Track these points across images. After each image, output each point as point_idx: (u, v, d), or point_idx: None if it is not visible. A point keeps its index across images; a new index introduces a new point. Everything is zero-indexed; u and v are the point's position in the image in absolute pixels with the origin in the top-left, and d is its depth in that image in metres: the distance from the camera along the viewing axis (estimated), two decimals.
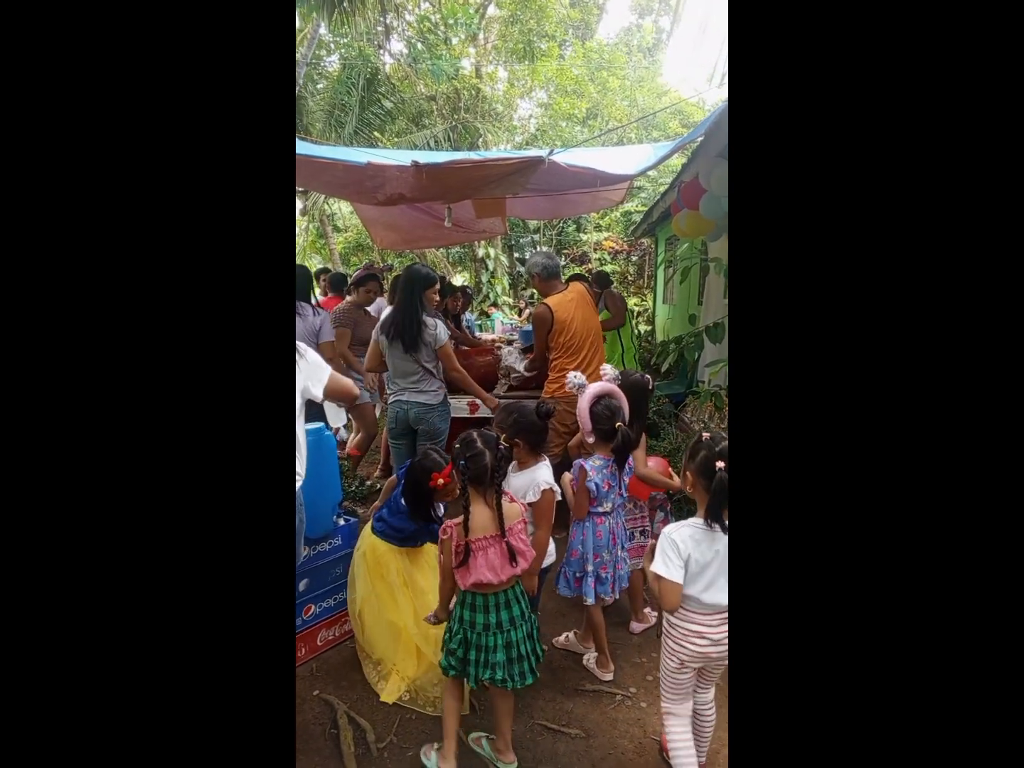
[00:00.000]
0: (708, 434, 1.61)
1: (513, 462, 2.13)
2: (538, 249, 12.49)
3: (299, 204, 11.79)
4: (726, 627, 1.55)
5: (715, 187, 3.73)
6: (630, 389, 2.31)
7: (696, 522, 1.57)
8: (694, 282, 6.61)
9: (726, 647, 1.55)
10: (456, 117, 11.58)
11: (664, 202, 6.68)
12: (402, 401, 3.02)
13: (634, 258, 12.25)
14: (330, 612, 2.46)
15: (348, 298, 3.93)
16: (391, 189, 3.36)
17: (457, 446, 1.71)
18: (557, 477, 2.16)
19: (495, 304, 11.39)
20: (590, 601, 2.17)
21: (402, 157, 3.34)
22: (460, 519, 1.66)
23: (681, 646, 1.59)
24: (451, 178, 3.19)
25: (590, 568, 2.16)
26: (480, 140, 11.31)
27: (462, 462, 1.67)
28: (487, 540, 1.67)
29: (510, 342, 6.37)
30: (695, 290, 6.67)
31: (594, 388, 2.21)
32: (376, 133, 10.34)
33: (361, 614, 2.22)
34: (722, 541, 1.53)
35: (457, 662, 1.73)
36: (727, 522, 1.49)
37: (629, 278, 12.18)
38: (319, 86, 10.50)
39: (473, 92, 12.16)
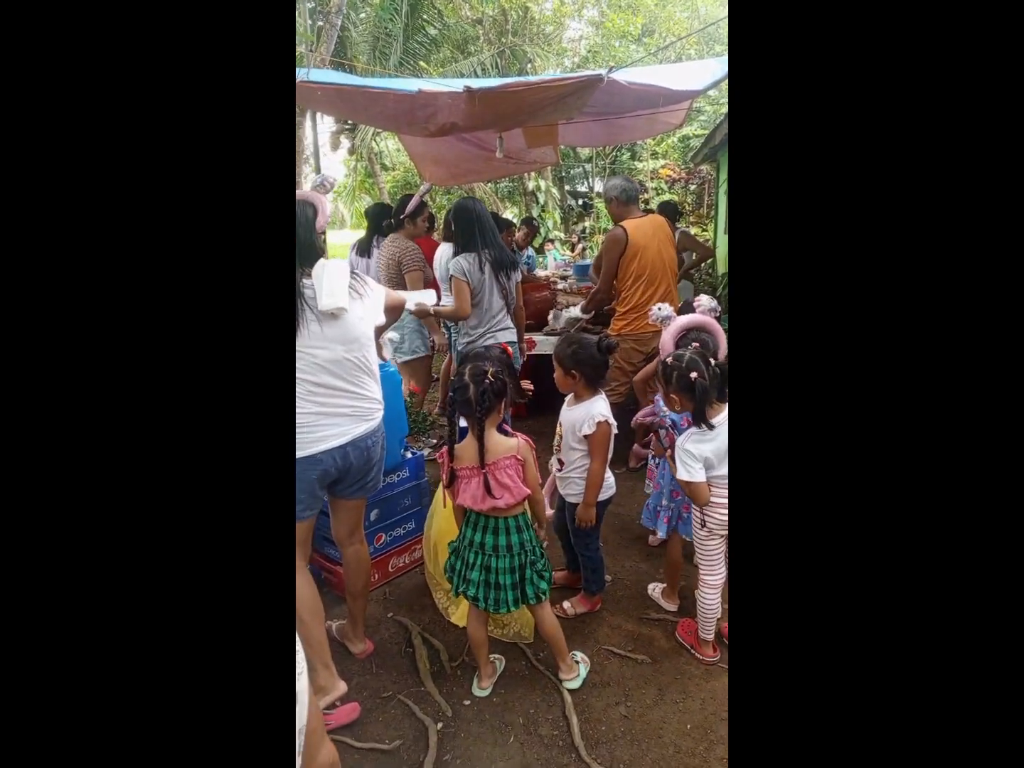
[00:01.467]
0: (671, 358, 1.87)
1: (570, 395, 2.12)
2: (600, 179, 12.03)
3: (346, 142, 11.67)
4: None
5: None
6: None
7: (693, 429, 1.83)
8: None
9: None
10: (503, 41, 11.03)
11: (727, 123, 6.25)
12: (498, 343, 2.84)
13: (692, 186, 11.65)
14: (400, 541, 2.56)
15: (400, 232, 3.71)
16: (443, 118, 3.23)
17: (452, 377, 1.73)
18: (620, 418, 2.12)
19: (551, 240, 11.10)
20: (660, 535, 2.18)
21: (454, 84, 3.21)
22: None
23: (709, 516, 1.87)
24: (504, 103, 3.05)
25: (664, 503, 2.16)
26: (529, 65, 10.78)
27: (451, 393, 1.72)
28: (469, 470, 1.73)
29: (564, 278, 6.25)
30: None
31: (683, 320, 2.12)
32: (422, 63, 9.98)
33: (436, 544, 2.29)
34: (725, 428, 1.78)
35: (449, 568, 1.88)
36: (711, 420, 1.80)
37: (688, 208, 11.62)
38: (361, 15, 10.13)
39: (521, 12, 11.49)
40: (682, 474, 1.82)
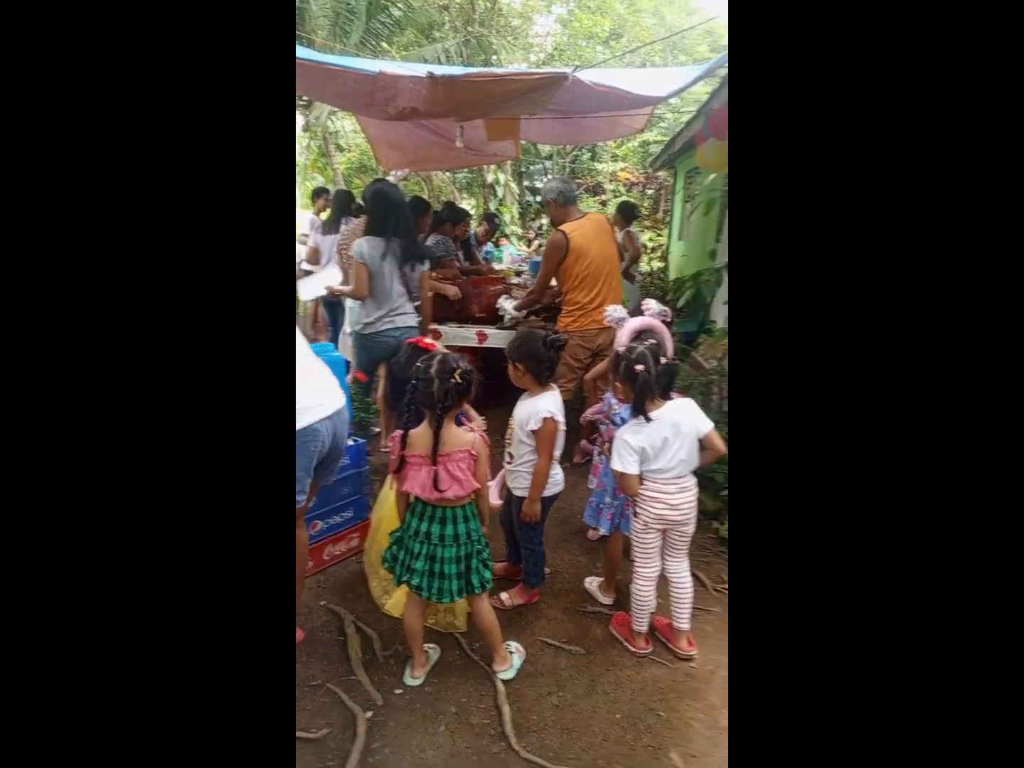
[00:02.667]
0: (623, 348, 1.95)
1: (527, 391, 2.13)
2: (551, 176, 12.07)
3: (301, 119, 11.30)
4: (682, 494, 1.91)
5: None
6: None
7: (634, 420, 1.89)
8: (714, 217, 6.42)
9: (683, 512, 1.92)
10: (469, 30, 10.92)
11: (688, 132, 6.38)
12: (396, 327, 3.03)
13: (650, 191, 11.86)
14: (337, 529, 2.51)
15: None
16: (403, 102, 3.17)
17: (418, 364, 1.70)
18: (567, 414, 2.15)
19: (506, 236, 11.09)
20: (602, 531, 2.22)
21: (416, 68, 3.16)
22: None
23: (644, 509, 1.93)
24: (467, 93, 3.01)
25: (608, 500, 2.20)
26: (495, 57, 10.71)
27: (413, 382, 1.69)
28: (422, 458, 1.72)
29: (518, 273, 6.24)
30: (714, 226, 6.48)
31: (635, 322, 2.18)
32: (384, 44, 9.77)
33: (379, 529, 2.26)
34: (666, 423, 1.87)
35: (390, 557, 1.86)
36: (657, 409, 1.88)
37: (644, 212, 11.82)
38: None
39: (489, 3, 11.41)
40: (615, 463, 1.90)
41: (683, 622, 2.02)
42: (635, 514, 1.98)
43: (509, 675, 1.91)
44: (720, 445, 1.91)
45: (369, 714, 1.76)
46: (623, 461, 1.88)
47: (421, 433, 1.74)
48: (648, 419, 1.87)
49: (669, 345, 2.19)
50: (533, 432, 2.02)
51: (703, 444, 1.92)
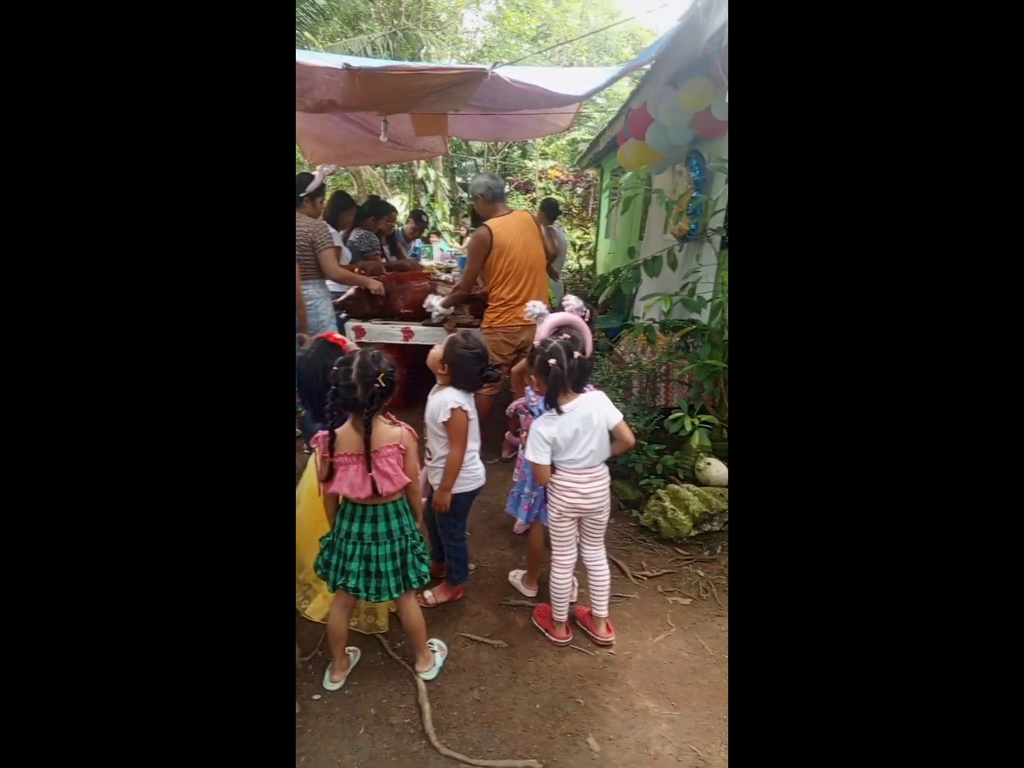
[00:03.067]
0: (539, 342, 2.00)
1: (436, 384, 2.13)
2: (479, 172, 12.06)
3: None
4: (594, 483, 1.98)
5: (663, 117, 3.66)
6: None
7: (547, 412, 1.96)
8: (636, 215, 6.59)
9: (595, 501, 1.98)
10: (396, 23, 10.75)
11: (611, 131, 6.53)
12: None
13: (579, 190, 12.06)
14: None
15: (300, 211, 3.43)
16: (320, 94, 3.09)
17: (336, 368, 1.64)
18: (495, 409, 2.17)
19: (437, 232, 11.00)
20: (520, 521, 2.24)
21: (333, 60, 3.08)
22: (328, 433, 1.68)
23: (558, 498, 2.00)
24: (386, 85, 2.97)
25: (527, 491, 2.23)
26: (423, 51, 10.60)
27: (334, 386, 1.63)
28: (349, 457, 1.68)
29: (448, 270, 6.21)
30: (637, 224, 6.66)
31: (554, 318, 2.21)
32: (307, 34, 9.49)
33: (300, 538, 2.19)
34: (577, 415, 1.92)
35: (323, 563, 1.82)
36: (569, 400, 1.94)
37: (574, 210, 12.01)
38: None
39: None
40: (528, 454, 1.98)
41: (601, 609, 2.08)
42: (550, 504, 2.04)
43: (431, 675, 1.91)
44: (628, 436, 1.98)
45: None
46: (535, 452, 1.95)
47: (348, 431, 1.69)
48: (560, 411, 1.92)
49: (588, 340, 2.24)
50: (444, 424, 2.03)
51: (613, 435, 1.98)
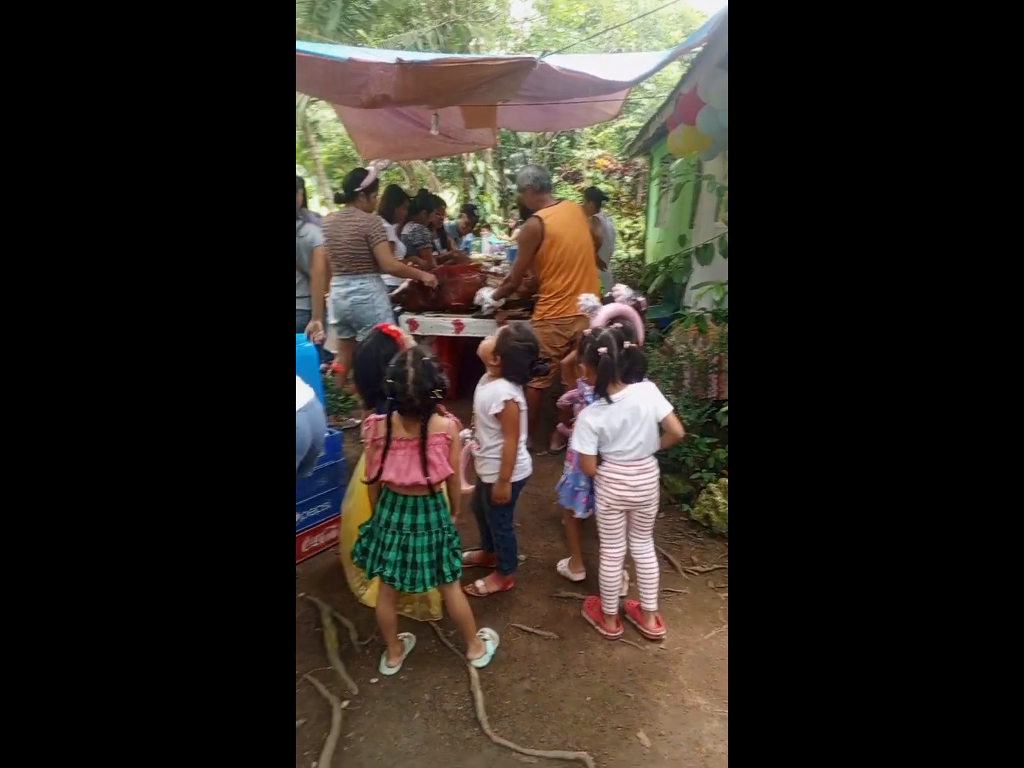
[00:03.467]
0: (589, 331, 2.01)
1: (485, 375, 2.15)
2: (526, 163, 12.00)
3: None
4: (642, 475, 1.97)
5: (714, 100, 3.55)
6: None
7: (595, 402, 1.96)
8: (686, 203, 6.44)
9: (644, 493, 1.98)
10: (446, 16, 10.79)
11: (661, 117, 6.39)
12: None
13: (628, 178, 11.85)
14: (315, 521, 2.52)
15: (354, 205, 3.49)
16: (374, 89, 3.14)
17: (392, 367, 1.66)
18: (546, 399, 2.19)
19: (487, 225, 11.03)
20: (579, 514, 2.25)
21: (386, 55, 3.12)
22: (383, 415, 1.71)
23: (606, 491, 2.00)
24: (438, 79, 2.99)
25: (583, 483, 2.23)
26: (472, 43, 10.60)
27: (391, 391, 1.66)
28: (402, 442, 1.71)
29: (497, 262, 6.22)
30: (687, 212, 6.51)
31: (608, 309, 2.22)
32: (360, 31, 9.64)
33: (350, 520, 2.26)
34: (626, 406, 1.92)
35: (360, 550, 1.85)
36: (618, 392, 1.94)
37: (622, 199, 11.82)
38: None
39: None
40: (575, 443, 2.00)
41: (650, 602, 2.07)
42: (598, 496, 2.04)
43: (483, 662, 1.94)
44: (678, 428, 1.97)
45: (345, 704, 1.78)
46: (582, 442, 1.97)
47: (398, 418, 1.72)
48: (609, 401, 1.92)
49: (640, 331, 2.22)
50: (496, 416, 2.04)
51: (662, 427, 1.97)
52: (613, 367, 1.91)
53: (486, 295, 3.79)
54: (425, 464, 1.70)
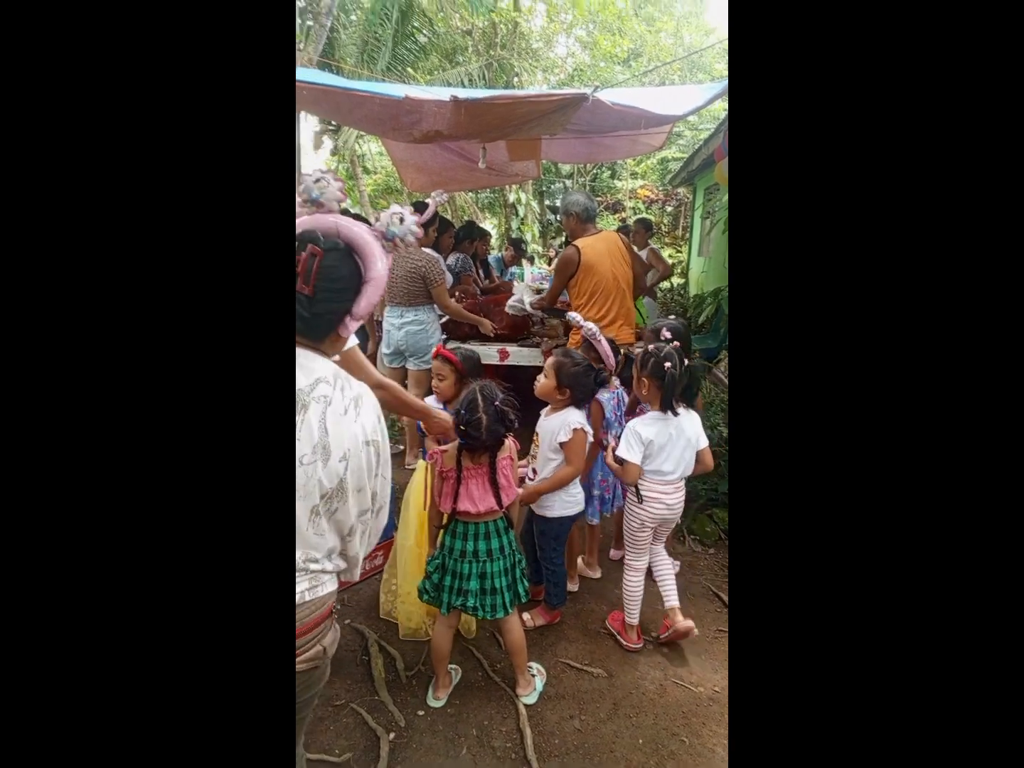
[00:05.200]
0: (652, 346, 2.05)
1: (547, 407, 2.15)
2: (575, 189, 12.15)
3: (329, 143, 11.57)
4: (677, 494, 2.06)
5: None
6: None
7: (654, 414, 2.02)
8: None
9: (676, 512, 2.09)
10: (492, 53, 11.11)
11: (706, 148, 6.40)
12: None
13: (669, 208, 11.87)
14: None
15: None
16: (428, 125, 3.25)
17: (466, 417, 1.67)
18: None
19: (530, 258, 11.17)
20: (594, 522, 2.40)
21: (440, 92, 3.23)
22: (448, 446, 1.76)
23: (645, 509, 2.06)
24: (490, 115, 3.07)
25: (596, 492, 2.27)
26: (516, 79, 10.88)
27: (462, 426, 1.67)
28: (471, 470, 1.74)
29: (538, 291, 6.26)
30: None
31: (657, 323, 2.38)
32: (409, 69, 9.99)
33: (406, 552, 2.19)
34: (673, 424, 2.00)
35: (432, 587, 1.82)
36: (678, 409, 1.99)
37: (664, 229, 11.83)
38: (352, 18, 10.11)
39: (511, 26, 11.61)
40: (622, 450, 2.01)
41: (671, 598, 2.14)
42: (632, 514, 2.11)
43: (532, 699, 1.90)
44: (710, 461, 2.09)
45: (392, 736, 1.76)
46: (629, 449, 2.00)
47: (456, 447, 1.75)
48: (676, 413, 1.98)
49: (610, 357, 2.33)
50: (562, 444, 2.04)
51: (697, 457, 2.06)
52: (678, 382, 1.95)
53: (525, 297, 3.84)
54: (496, 489, 1.73)
